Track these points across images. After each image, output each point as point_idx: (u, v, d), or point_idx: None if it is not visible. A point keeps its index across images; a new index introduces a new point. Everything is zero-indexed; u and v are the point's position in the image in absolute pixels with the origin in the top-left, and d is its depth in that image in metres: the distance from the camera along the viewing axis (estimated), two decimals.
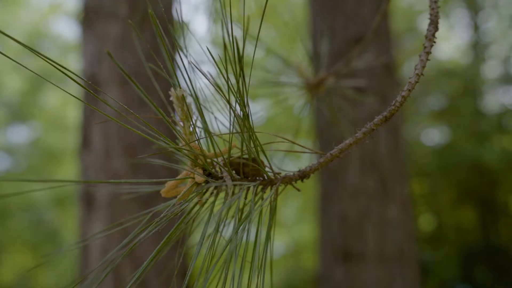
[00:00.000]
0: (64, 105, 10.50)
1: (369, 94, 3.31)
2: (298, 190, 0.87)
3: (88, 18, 3.60)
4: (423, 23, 10.13)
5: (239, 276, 0.78)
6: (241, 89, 0.77)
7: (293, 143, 0.86)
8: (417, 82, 0.81)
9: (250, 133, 0.81)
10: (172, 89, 0.91)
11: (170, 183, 0.88)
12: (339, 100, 1.62)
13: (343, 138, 0.87)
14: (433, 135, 10.15)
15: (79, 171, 3.40)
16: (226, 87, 0.85)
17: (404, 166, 3.61)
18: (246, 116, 0.80)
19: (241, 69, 0.75)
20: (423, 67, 0.81)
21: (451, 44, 11.06)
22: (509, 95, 9.71)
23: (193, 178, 0.86)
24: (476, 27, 10.46)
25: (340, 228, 3.61)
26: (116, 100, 0.90)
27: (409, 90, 0.81)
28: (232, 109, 0.81)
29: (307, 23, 4.11)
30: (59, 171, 10.32)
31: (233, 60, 0.78)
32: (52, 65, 0.70)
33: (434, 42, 0.82)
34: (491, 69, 10.23)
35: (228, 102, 0.81)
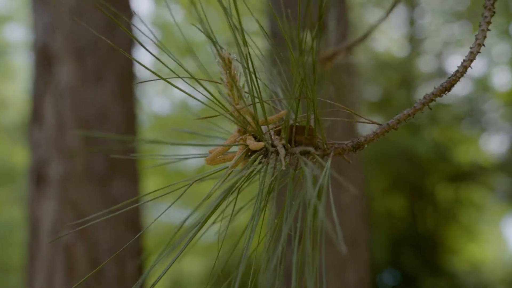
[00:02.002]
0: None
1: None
2: (349, 162, 0.84)
3: None
4: None
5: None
6: (315, 48, 0.73)
7: (352, 112, 0.83)
8: (478, 52, 0.80)
9: (310, 99, 0.77)
10: (218, 49, 0.85)
11: (216, 150, 0.83)
12: (345, 76, 1.61)
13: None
14: (368, 125, 10.41)
15: (29, 147, 3.22)
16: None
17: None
18: (313, 82, 0.76)
19: (320, 28, 0.71)
20: (484, 37, 0.80)
21: (388, 37, 11.37)
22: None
23: (245, 144, 0.82)
24: (412, 22, 10.80)
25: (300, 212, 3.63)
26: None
27: (470, 61, 0.80)
28: (299, 72, 0.77)
29: None
30: None
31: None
32: None
33: (494, 12, 0.82)
34: (425, 63, 10.62)
35: (297, 63, 0.77)
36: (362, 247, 3.56)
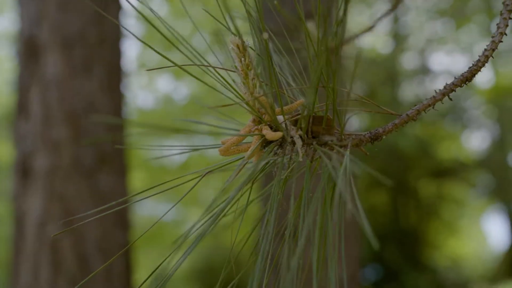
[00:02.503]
0: None
1: None
2: (366, 154, 0.82)
3: None
4: None
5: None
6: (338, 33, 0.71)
7: (372, 103, 0.81)
8: (500, 41, 0.79)
9: (331, 88, 0.75)
10: (231, 37, 0.82)
11: (231, 140, 0.80)
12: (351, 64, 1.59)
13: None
14: (353, 121, 10.47)
15: (15, 140, 3.15)
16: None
17: None
18: (334, 70, 0.74)
19: (345, 12, 0.69)
20: (506, 25, 0.79)
21: (372, 33, 11.40)
22: (424, 85, 10.20)
23: (261, 135, 0.79)
24: (396, 19, 10.85)
25: (285, 207, 3.61)
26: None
27: (492, 50, 0.78)
28: (318, 59, 0.74)
29: None
30: None
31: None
32: None
33: None
34: (409, 60, 10.69)
35: (317, 49, 0.74)
36: (353, 242, 3.55)
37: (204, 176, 0.85)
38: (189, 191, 0.86)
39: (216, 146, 0.83)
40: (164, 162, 9.49)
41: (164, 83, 9.91)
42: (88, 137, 3.06)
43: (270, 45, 0.93)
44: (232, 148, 0.81)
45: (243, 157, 0.87)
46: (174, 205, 0.93)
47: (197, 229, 0.84)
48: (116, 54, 3.35)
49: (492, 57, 0.79)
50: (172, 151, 0.96)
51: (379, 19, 1.57)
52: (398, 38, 10.66)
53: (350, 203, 0.63)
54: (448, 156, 10.59)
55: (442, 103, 0.80)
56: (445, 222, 10.88)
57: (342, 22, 0.70)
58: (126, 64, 3.53)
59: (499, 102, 11.38)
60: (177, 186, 0.90)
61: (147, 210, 9.57)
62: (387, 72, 9.95)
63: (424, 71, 10.23)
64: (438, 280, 10.35)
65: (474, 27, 11.89)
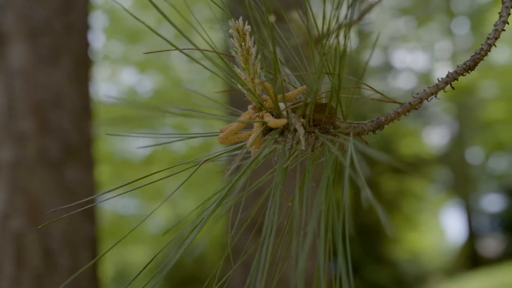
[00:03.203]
0: None
1: None
2: (367, 143, 0.81)
3: None
4: None
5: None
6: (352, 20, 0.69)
7: (375, 91, 0.79)
8: (503, 29, 0.78)
9: (335, 74, 0.73)
10: (231, 21, 0.80)
11: (230, 128, 0.78)
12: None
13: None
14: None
15: None
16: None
17: None
18: (341, 56, 0.72)
19: None
20: (508, 14, 0.78)
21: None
22: (387, 82, 10.37)
23: (263, 122, 0.76)
24: (360, 16, 10.94)
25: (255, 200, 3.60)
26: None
27: (495, 38, 0.78)
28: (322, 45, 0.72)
29: None
30: None
31: None
32: None
33: None
34: (373, 57, 10.83)
35: (321, 37, 0.72)
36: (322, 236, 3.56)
37: (201, 164, 0.82)
38: (185, 181, 0.83)
39: (215, 134, 0.80)
40: (127, 156, 9.36)
41: (128, 76, 9.76)
42: (54, 129, 2.98)
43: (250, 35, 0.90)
44: (230, 136, 0.78)
45: (237, 147, 0.84)
46: (167, 198, 0.89)
47: (193, 227, 0.81)
48: (84, 44, 3.26)
49: (495, 45, 0.79)
50: (164, 139, 0.92)
51: (366, 10, 1.56)
52: (361, 35, 10.78)
53: (365, 189, 0.61)
54: (409, 152, 10.79)
55: (445, 91, 0.79)
56: (406, 217, 11.09)
57: (353, 5, 0.69)
58: (93, 55, 3.44)
59: (458, 100, 11.65)
60: (166, 177, 0.87)
61: (109, 204, 9.41)
62: (350, 68, 10.06)
63: (387, 68, 10.38)
64: (398, 273, 10.55)
65: (435, 25, 12.13)
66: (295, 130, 0.78)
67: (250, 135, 0.78)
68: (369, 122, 0.81)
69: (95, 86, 3.48)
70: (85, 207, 3.13)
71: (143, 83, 9.43)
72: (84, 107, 3.19)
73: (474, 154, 13.92)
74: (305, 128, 0.78)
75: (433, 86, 0.79)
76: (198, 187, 9.24)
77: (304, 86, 0.82)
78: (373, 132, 0.81)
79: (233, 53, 0.80)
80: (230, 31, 0.80)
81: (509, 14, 0.79)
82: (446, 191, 13.22)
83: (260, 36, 0.83)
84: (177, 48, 0.76)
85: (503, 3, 0.80)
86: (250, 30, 0.80)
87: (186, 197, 10.39)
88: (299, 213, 0.74)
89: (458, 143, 12.65)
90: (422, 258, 12.51)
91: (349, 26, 0.77)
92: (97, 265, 3.19)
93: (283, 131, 0.79)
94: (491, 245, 12.94)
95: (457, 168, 12.33)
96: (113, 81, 9.20)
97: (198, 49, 0.77)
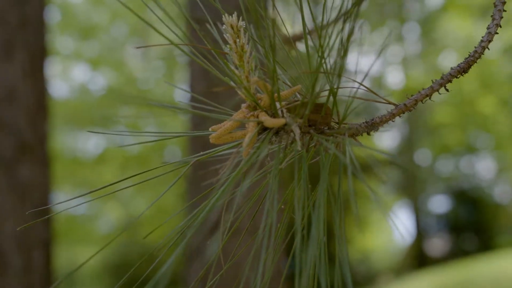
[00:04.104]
0: None
1: None
2: (360, 144, 0.80)
3: None
4: None
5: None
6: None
7: (370, 91, 0.78)
8: (496, 33, 0.79)
9: (334, 74, 0.72)
10: (225, 16, 0.77)
11: (224, 127, 0.75)
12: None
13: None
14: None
15: None
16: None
17: None
18: (343, 53, 0.70)
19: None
20: (501, 17, 0.79)
21: (290, 32, 11.57)
22: (341, 85, 10.48)
23: (259, 121, 0.74)
24: (313, 18, 11.05)
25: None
26: None
27: (489, 41, 0.78)
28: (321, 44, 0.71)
29: None
30: None
31: None
32: None
33: None
34: (327, 60, 10.94)
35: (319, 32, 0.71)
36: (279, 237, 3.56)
37: (191, 164, 0.79)
38: (175, 181, 0.79)
39: (208, 133, 0.77)
40: (78, 155, 9.12)
41: (80, 73, 9.51)
42: (7, 125, 2.86)
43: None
44: (224, 135, 0.75)
45: (229, 147, 0.82)
46: (157, 199, 0.85)
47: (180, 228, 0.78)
48: (39, 38, 3.14)
49: (488, 48, 0.79)
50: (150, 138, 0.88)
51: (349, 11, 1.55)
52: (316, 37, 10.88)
53: (367, 185, 0.60)
54: (361, 153, 10.95)
55: (440, 93, 0.79)
56: (357, 217, 11.24)
57: (357, 5, 0.67)
58: (49, 49, 3.32)
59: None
60: (156, 177, 0.83)
61: (61, 204, 9.16)
62: (305, 71, 10.13)
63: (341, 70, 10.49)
64: (350, 273, 10.68)
65: (386, 30, 12.38)
66: (291, 130, 0.76)
67: (245, 135, 0.76)
68: (363, 123, 0.80)
69: (50, 82, 3.36)
70: (39, 207, 3.03)
71: (95, 80, 9.22)
72: (39, 103, 3.08)
73: (423, 157, 14.30)
74: (300, 129, 0.76)
75: (428, 88, 0.79)
76: (150, 187, 9.11)
77: (299, 86, 0.80)
78: (367, 133, 0.80)
79: (227, 50, 0.77)
80: (223, 27, 0.78)
81: (502, 17, 0.79)
82: (396, 192, 13.52)
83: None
84: (173, 44, 0.72)
85: (495, 6, 0.80)
86: (244, 26, 0.78)
87: (138, 198, 10.23)
88: (303, 214, 0.72)
89: (408, 145, 12.97)
90: (372, 258, 12.74)
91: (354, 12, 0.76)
92: (50, 265, 3.08)
93: (278, 131, 0.77)
94: (437, 245, 13.32)
95: (406, 170, 12.63)
96: (64, 78, 8.95)
97: (197, 46, 0.73)
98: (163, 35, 0.71)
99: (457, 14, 9.87)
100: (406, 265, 13.37)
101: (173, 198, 9.34)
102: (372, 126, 0.79)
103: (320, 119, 0.77)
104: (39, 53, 3.14)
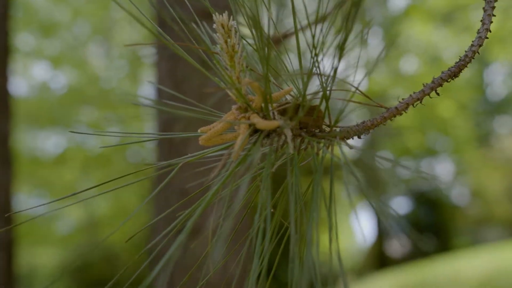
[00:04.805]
0: None
1: None
2: (351, 147, 0.79)
3: None
4: None
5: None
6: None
7: (364, 95, 0.77)
8: (486, 37, 0.79)
9: (328, 76, 0.70)
10: (215, 15, 0.75)
11: (215, 129, 0.73)
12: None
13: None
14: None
15: None
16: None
17: None
18: (339, 55, 0.69)
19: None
20: (491, 22, 0.79)
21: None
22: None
23: (250, 123, 0.72)
24: (279, 21, 11.10)
25: (180, 202, 3.52)
26: None
27: (479, 45, 0.79)
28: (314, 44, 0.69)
29: None
30: None
31: None
32: None
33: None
34: (290, 63, 11.01)
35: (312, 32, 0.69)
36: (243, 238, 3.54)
37: (179, 166, 0.76)
38: (165, 181, 0.76)
39: (197, 135, 0.75)
40: (37, 154, 8.90)
41: (41, 71, 9.27)
42: None
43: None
44: (214, 137, 0.73)
45: (218, 149, 0.79)
46: (150, 197, 0.82)
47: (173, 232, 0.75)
48: (2, 34, 3.04)
49: (478, 53, 0.79)
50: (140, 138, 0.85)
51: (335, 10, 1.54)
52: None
53: (364, 185, 0.59)
54: (325, 155, 11.03)
55: (431, 97, 0.79)
56: (320, 219, 11.33)
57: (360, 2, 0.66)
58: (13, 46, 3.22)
59: (371, 106, 12.07)
60: (148, 177, 0.80)
61: (21, 204, 8.93)
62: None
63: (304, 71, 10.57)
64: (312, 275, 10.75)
65: (351, 34, 12.49)
66: (282, 133, 0.74)
67: (236, 137, 0.74)
68: (354, 126, 0.79)
69: (11, 80, 3.26)
70: (1, 207, 2.92)
71: (57, 78, 9.01)
72: (1, 100, 2.98)
73: (385, 158, 14.47)
74: (292, 131, 0.75)
75: (419, 91, 0.79)
76: (110, 187, 8.95)
77: (291, 87, 0.78)
78: (358, 136, 0.79)
79: (218, 50, 0.75)
80: (213, 26, 0.75)
81: (491, 22, 0.80)
82: (357, 193, 13.68)
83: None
84: (168, 43, 0.70)
85: (484, 11, 0.81)
86: (235, 26, 0.76)
87: (98, 197, 10.06)
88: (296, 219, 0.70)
89: (370, 147, 13.15)
90: (333, 259, 12.83)
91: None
92: (12, 266, 2.99)
93: (269, 133, 0.75)
94: (397, 246, 13.55)
95: (367, 171, 12.80)
96: (24, 76, 8.71)
97: (196, 47, 0.71)
98: (157, 34, 0.68)
99: (419, 20, 10.04)
100: (367, 266, 13.55)
101: (135, 199, 9.21)
102: (364, 129, 0.78)
103: (312, 121, 0.75)
104: (2, 49, 3.04)
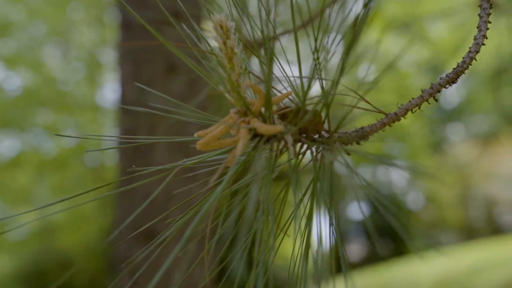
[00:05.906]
0: None
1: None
2: (348, 154, 0.77)
3: None
4: None
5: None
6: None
7: (363, 99, 0.76)
8: (483, 44, 0.79)
9: (332, 81, 0.69)
10: (213, 15, 0.72)
11: (212, 133, 0.70)
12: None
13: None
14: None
15: None
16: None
17: None
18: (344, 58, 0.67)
19: None
20: (487, 28, 0.80)
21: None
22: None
23: (251, 128, 0.69)
24: (239, 28, 11.12)
25: (144, 208, 3.45)
26: None
27: (476, 52, 0.79)
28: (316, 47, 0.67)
29: None
30: None
31: None
32: None
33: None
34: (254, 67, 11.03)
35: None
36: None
37: (175, 172, 0.73)
38: (163, 185, 0.73)
39: (195, 139, 0.72)
40: None
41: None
42: None
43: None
44: (212, 142, 0.70)
45: (215, 154, 0.76)
46: (147, 202, 0.78)
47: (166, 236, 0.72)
48: None
49: (475, 59, 0.79)
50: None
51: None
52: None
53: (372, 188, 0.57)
54: (285, 159, 11.10)
55: (429, 103, 0.78)
56: (279, 223, 11.37)
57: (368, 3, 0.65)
58: None
59: (333, 112, 12.21)
60: (132, 186, 0.77)
61: None
62: None
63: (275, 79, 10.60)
64: (271, 279, 10.77)
65: (311, 41, 12.64)
66: (283, 138, 0.72)
67: (235, 142, 0.71)
68: (353, 131, 0.78)
69: None
70: None
71: (11, 80, 8.73)
72: None
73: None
74: (292, 136, 0.73)
75: (418, 97, 0.78)
76: (66, 192, 8.74)
77: (290, 91, 0.76)
78: (357, 142, 0.78)
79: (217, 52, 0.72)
80: (212, 26, 0.73)
81: (488, 28, 0.80)
82: (318, 199, 13.76)
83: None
84: (167, 45, 0.66)
85: (480, 17, 0.81)
86: (234, 27, 0.73)
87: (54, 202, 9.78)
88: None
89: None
90: (293, 263, 12.89)
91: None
92: None
93: (268, 138, 0.73)
94: (355, 250, 13.72)
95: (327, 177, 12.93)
96: None
97: (197, 49, 0.68)
98: (156, 35, 0.65)
99: (379, 28, 10.22)
100: (325, 269, 13.65)
101: (92, 204, 9.01)
102: (363, 135, 0.77)
103: (312, 126, 0.74)
104: None
